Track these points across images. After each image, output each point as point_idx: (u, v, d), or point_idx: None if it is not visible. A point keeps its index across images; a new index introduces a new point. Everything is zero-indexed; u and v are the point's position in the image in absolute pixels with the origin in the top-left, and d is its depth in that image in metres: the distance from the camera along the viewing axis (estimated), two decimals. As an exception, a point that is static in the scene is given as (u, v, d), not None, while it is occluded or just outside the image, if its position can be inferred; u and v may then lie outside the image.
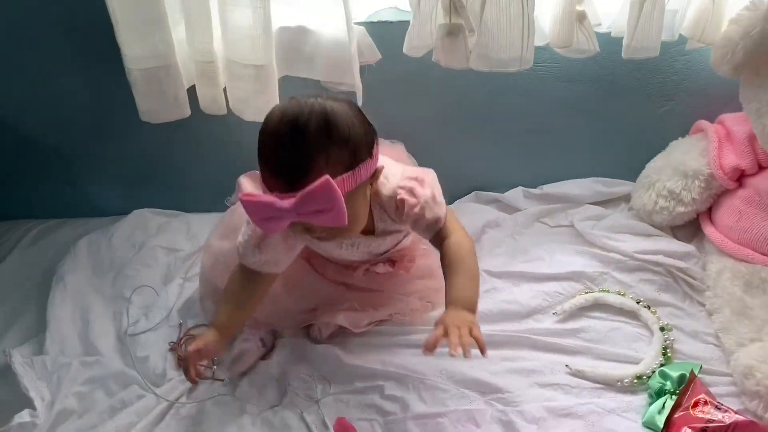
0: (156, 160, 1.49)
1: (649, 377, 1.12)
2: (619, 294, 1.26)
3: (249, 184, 1.20)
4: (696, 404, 1.04)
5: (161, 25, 1.17)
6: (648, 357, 1.15)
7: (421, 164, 1.29)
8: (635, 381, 1.12)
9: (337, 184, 0.89)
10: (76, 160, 1.51)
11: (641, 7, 1.14)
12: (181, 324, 1.26)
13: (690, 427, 1.00)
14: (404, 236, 1.20)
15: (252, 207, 0.93)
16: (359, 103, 1.22)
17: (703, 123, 1.33)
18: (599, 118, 1.41)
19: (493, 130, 1.44)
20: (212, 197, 1.50)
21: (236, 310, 1.11)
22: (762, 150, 1.23)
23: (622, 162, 1.45)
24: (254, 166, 0.97)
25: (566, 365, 1.16)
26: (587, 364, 1.16)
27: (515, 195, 1.48)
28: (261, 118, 1.26)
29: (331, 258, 1.23)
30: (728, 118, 1.30)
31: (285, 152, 0.91)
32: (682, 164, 1.30)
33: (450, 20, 1.20)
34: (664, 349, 1.17)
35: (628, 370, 1.14)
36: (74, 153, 1.49)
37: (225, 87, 1.27)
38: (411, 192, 1.06)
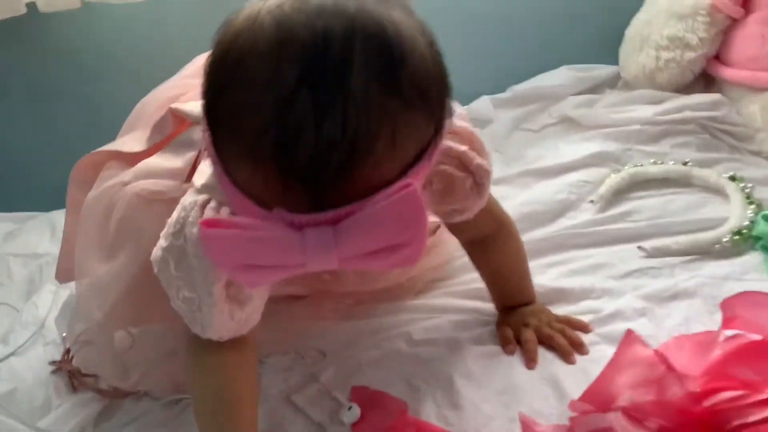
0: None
1: (750, 229, 0.82)
2: (657, 163, 0.98)
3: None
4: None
5: None
6: (734, 210, 0.86)
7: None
8: (736, 238, 0.82)
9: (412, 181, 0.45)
10: None
11: None
12: (64, 336, 0.80)
13: None
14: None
15: (235, 246, 0.45)
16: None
17: (682, -41, 1.13)
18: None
19: (444, 34, 1.15)
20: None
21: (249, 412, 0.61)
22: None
23: (593, 39, 1.21)
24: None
25: (638, 247, 0.84)
26: (663, 241, 0.84)
27: (482, 105, 1.18)
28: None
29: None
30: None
31: (308, 130, 0.42)
32: (675, 3, 1.08)
33: None
34: (747, 197, 0.88)
35: (719, 231, 0.83)
36: None
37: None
38: (462, 162, 0.61)
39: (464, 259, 0.84)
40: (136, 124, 0.77)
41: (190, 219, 0.54)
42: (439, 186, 0.62)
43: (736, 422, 0.51)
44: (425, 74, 0.46)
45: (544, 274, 0.82)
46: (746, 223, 0.83)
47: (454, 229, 0.74)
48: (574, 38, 1.21)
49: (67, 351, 0.76)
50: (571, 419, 0.56)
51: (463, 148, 0.61)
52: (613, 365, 0.56)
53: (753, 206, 0.86)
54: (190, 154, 0.66)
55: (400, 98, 0.44)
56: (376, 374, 0.71)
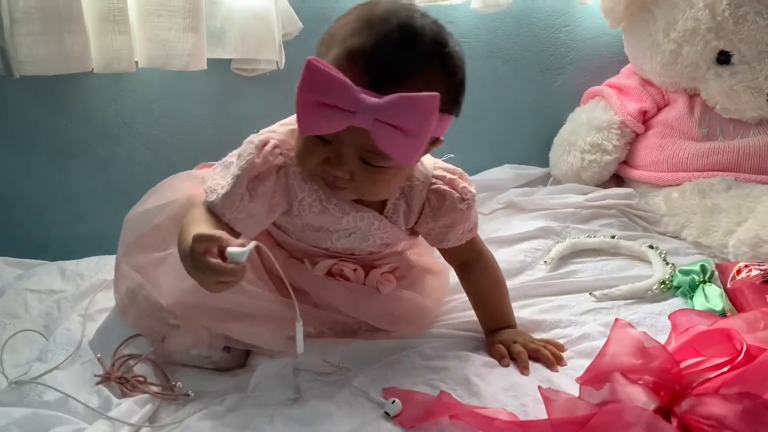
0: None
1: (671, 281, 1.06)
2: (591, 237, 1.21)
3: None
4: (739, 272, 0.99)
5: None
6: (657, 267, 1.10)
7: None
8: (662, 286, 1.04)
9: None
10: None
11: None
12: (99, 357, 0.86)
13: (752, 285, 0.94)
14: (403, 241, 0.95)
15: (319, 78, 0.68)
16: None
17: (594, 89, 1.44)
18: (499, 101, 1.45)
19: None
20: (84, 239, 1.15)
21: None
22: (656, 91, 1.36)
23: (528, 145, 1.48)
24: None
25: (590, 293, 1.04)
26: (608, 290, 1.05)
27: (442, 191, 1.39)
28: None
29: (304, 241, 0.90)
30: (614, 79, 1.43)
31: (387, 51, 0.71)
32: (594, 119, 1.37)
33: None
34: (664, 259, 1.12)
35: (650, 281, 1.06)
36: None
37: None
38: (452, 185, 0.87)
39: (451, 303, 1.02)
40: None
41: (255, 143, 0.80)
42: (434, 203, 0.86)
43: (696, 382, 0.69)
44: (459, 63, 0.77)
45: (519, 312, 1.00)
46: (668, 276, 1.07)
47: (447, 255, 0.94)
48: (514, 144, 1.48)
49: (113, 363, 0.83)
50: (580, 390, 0.71)
51: (454, 176, 0.87)
52: (608, 345, 0.73)
53: (669, 266, 1.10)
54: None
55: (441, 64, 0.75)
56: (401, 380, 0.83)
